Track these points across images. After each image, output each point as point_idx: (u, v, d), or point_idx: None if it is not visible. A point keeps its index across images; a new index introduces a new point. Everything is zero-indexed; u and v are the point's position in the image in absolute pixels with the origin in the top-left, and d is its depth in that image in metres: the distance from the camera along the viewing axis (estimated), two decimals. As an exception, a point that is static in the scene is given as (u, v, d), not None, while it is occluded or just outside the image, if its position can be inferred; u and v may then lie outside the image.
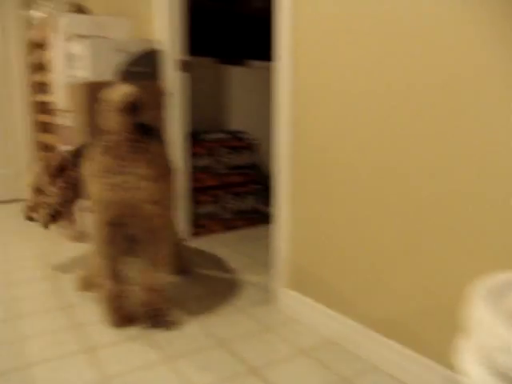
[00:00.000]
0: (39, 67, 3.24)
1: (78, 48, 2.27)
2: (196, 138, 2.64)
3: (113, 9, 3.05)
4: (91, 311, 1.71)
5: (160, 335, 1.55)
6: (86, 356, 1.42)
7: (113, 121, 1.43)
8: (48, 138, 3.14)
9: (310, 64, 1.53)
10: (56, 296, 1.85)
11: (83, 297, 1.82)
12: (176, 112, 2.46)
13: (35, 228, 2.83)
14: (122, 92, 1.42)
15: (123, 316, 1.60)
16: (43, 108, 3.30)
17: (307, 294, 1.65)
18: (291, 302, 1.71)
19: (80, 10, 2.82)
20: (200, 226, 2.67)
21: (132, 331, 1.58)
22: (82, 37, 2.31)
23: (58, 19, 2.52)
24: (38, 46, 3.13)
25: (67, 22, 2.42)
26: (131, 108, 1.43)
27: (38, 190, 1.83)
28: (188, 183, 2.58)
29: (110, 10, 3.09)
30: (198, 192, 2.65)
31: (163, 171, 1.47)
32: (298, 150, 1.62)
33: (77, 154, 1.80)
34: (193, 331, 1.57)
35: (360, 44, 1.36)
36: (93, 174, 1.44)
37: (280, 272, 1.76)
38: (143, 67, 2.30)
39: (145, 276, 1.56)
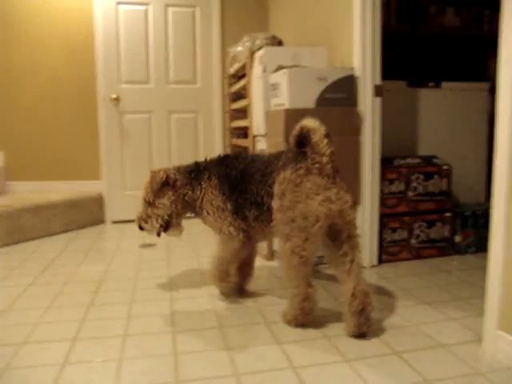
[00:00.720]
0: (238, 96, 3.54)
1: (276, 77, 2.42)
2: (388, 163, 2.58)
3: (306, 40, 3.20)
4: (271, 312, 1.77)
5: (343, 340, 1.53)
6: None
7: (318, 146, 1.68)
8: (242, 161, 3.40)
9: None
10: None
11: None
12: (369, 137, 2.44)
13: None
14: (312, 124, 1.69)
15: (308, 317, 1.77)
16: (239, 133, 3.60)
17: (523, 342, 1.46)
18: (503, 345, 1.53)
19: (278, 42, 3.01)
20: (388, 252, 2.59)
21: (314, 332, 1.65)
22: (280, 67, 2.45)
23: (258, 52, 2.73)
24: (238, 77, 3.43)
25: (267, 54, 2.60)
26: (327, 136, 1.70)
27: (149, 203, 2.03)
28: (378, 209, 2.53)
29: (303, 41, 3.25)
30: (388, 218, 2.57)
31: None
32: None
33: (191, 173, 2.08)
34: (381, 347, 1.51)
35: None
36: (306, 191, 1.66)
37: (491, 311, 1.59)
38: (340, 93, 2.35)
39: (354, 279, 1.68)
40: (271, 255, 2.64)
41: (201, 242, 3.18)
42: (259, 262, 2.62)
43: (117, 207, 3.94)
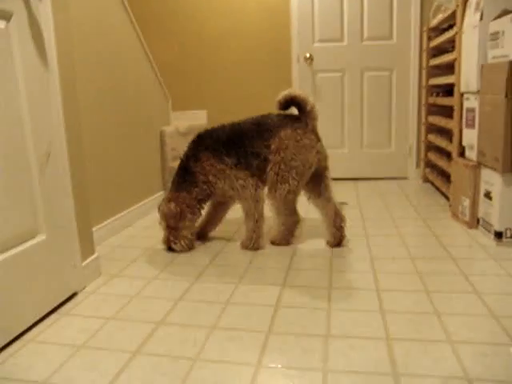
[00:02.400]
0: (440, 51, 3.28)
1: (499, 25, 2.15)
2: None
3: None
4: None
5: None
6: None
7: None
8: (441, 121, 3.18)
9: None
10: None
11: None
12: None
13: (420, 207, 2.95)
14: None
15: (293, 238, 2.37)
16: (439, 90, 3.35)
17: None
18: None
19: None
20: None
21: None
22: (506, 12, 2.17)
23: (473, -1, 2.45)
24: (442, 29, 3.16)
25: (485, -1, 2.32)
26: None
27: (170, 227, 2.25)
28: None
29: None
30: None
31: None
32: None
33: (185, 176, 2.27)
34: None
35: None
36: (305, 146, 2.17)
37: None
38: None
39: (334, 204, 2.28)
40: (475, 223, 2.44)
41: (391, 203, 3.10)
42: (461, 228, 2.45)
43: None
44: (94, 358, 1.36)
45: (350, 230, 2.54)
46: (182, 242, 2.27)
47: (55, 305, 1.69)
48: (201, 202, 2.30)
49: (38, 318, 1.59)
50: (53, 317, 1.64)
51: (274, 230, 2.39)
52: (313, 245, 2.33)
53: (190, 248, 2.31)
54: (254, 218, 2.25)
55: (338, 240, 2.28)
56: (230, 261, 2.14)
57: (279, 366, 1.28)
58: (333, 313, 1.58)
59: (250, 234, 2.28)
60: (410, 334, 1.42)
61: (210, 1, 4.08)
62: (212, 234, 2.55)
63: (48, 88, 1.64)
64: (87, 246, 1.92)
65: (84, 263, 1.87)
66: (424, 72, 3.69)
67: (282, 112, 2.27)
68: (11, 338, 1.46)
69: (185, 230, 2.26)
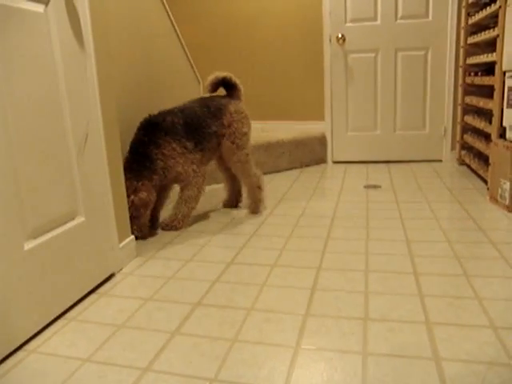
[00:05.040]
0: (480, 28, 3.16)
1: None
2: None
3: None
4: None
5: None
6: None
7: None
8: (479, 101, 3.07)
9: None
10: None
11: None
12: None
13: (456, 190, 2.88)
14: None
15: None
16: (478, 70, 3.23)
17: None
18: None
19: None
20: None
21: None
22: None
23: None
24: (483, 4, 3.04)
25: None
26: None
27: (133, 216, 2.20)
28: None
29: None
30: None
31: None
32: None
33: (145, 163, 2.25)
34: None
35: None
36: (247, 117, 2.59)
37: None
38: None
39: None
40: (515, 206, 2.37)
41: (426, 186, 3.03)
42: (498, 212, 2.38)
43: (339, 147, 4.00)
44: (133, 337, 1.39)
45: (385, 212, 2.50)
46: (145, 230, 2.28)
47: (94, 285, 1.72)
48: (155, 187, 2.30)
49: (78, 297, 1.63)
50: (92, 297, 1.67)
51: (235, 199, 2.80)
52: (348, 228, 2.30)
53: (149, 236, 2.33)
54: (191, 204, 2.41)
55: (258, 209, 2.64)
56: (263, 243, 2.14)
57: (318, 348, 1.28)
58: (370, 296, 1.57)
59: (177, 216, 2.41)
60: (450, 319, 1.39)
61: (240, -19, 4.03)
62: (249, 218, 2.55)
63: (85, 70, 1.64)
64: (123, 227, 1.94)
65: (121, 245, 1.90)
66: (462, 51, 3.56)
67: (213, 94, 2.58)
68: (55, 316, 1.50)
69: (144, 218, 2.26)
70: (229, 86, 2.58)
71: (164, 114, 2.31)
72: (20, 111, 1.34)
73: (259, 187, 2.61)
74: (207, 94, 2.58)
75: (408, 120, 3.90)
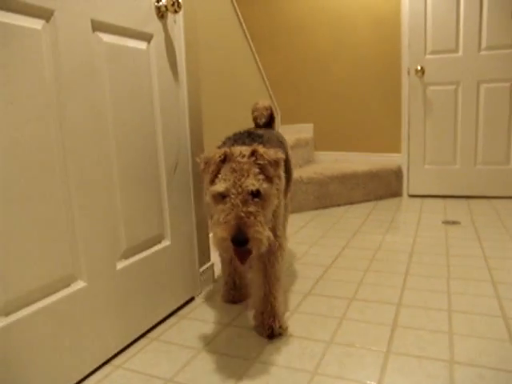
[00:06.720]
0: None
1: None
2: None
3: None
4: None
5: None
6: None
7: None
8: None
9: None
10: None
11: None
12: None
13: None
14: None
15: None
16: None
17: None
18: None
19: None
20: None
21: None
22: None
23: None
24: None
25: None
26: None
27: None
28: None
29: None
30: None
31: None
32: None
33: None
34: None
35: None
36: None
37: None
38: None
39: None
40: None
41: (510, 224, 2.88)
42: None
43: (415, 181, 3.90)
44: (214, 362, 1.41)
45: (466, 250, 2.39)
46: None
47: (176, 307, 1.78)
48: None
49: (162, 317, 1.69)
50: (172, 319, 1.73)
51: None
52: (427, 265, 2.23)
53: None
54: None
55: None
56: (341, 276, 2.11)
57: (401, 388, 1.24)
58: (455, 337, 1.50)
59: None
60: (546, 369, 1.30)
61: (317, 14, 4.12)
62: (315, 252, 2.54)
63: (178, 102, 1.75)
64: (204, 253, 2.00)
65: (201, 269, 1.96)
66: (551, 83, 3.40)
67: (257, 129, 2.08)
68: (139, 334, 1.57)
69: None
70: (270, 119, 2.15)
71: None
72: (125, 143, 1.45)
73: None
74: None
75: (490, 154, 3.74)
